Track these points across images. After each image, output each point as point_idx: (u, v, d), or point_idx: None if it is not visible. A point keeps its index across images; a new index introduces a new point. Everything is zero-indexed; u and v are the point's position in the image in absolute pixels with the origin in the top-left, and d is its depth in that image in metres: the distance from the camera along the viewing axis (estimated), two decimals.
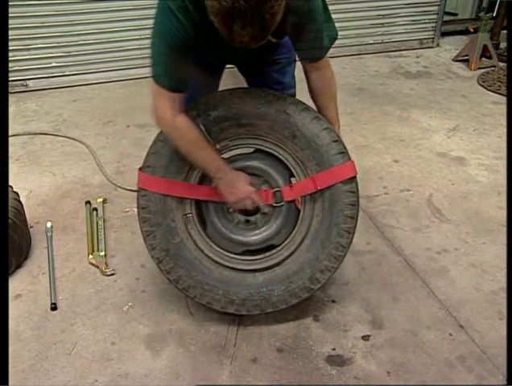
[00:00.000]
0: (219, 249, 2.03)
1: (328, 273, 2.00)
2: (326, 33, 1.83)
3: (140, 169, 2.00)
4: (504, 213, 2.76)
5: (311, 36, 1.80)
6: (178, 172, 1.96)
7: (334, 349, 2.00)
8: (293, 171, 2.00)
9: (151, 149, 1.98)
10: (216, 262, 2.02)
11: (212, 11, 1.39)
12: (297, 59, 2.07)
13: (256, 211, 2.05)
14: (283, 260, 2.02)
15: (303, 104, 1.96)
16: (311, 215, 2.00)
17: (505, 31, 5.12)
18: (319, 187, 1.95)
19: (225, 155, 2.01)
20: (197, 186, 2.00)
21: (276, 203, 2.01)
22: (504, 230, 2.64)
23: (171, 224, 1.98)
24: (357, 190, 1.99)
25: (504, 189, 2.97)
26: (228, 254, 2.04)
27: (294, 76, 2.26)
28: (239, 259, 2.04)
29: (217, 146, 1.95)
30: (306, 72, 1.96)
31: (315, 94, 1.99)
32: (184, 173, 1.97)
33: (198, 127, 1.87)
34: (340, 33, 1.91)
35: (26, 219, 2.50)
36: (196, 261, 1.99)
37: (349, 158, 1.97)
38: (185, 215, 2.01)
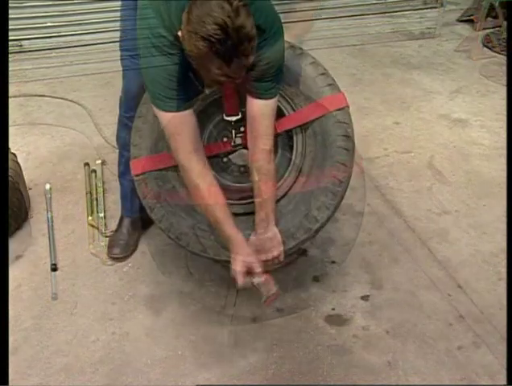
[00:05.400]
0: None
1: (326, 211, 1.88)
2: (276, 84, 1.73)
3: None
4: (504, 175, 2.74)
5: (266, 68, 1.66)
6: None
7: (334, 309, 2.02)
8: (283, 109, 1.92)
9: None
10: None
11: (190, 55, 1.42)
12: None
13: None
14: (278, 201, 1.90)
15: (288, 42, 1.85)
16: (303, 152, 1.95)
17: None
18: (307, 120, 1.91)
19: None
20: None
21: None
22: (504, 192, 2.63)
23: (162, 171, 1.91)
24: (351, 122, 1.92)
25: (505, 152, 2.95)
26: None
27: None
28: (233, 203, 1.92)
29: (206, 92, 1.85)
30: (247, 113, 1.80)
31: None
32: None
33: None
34: None
35: (24, 182, 2.49)
36: (187, 208, 1.91)
37: (339, 90, 1.93)
38: None
